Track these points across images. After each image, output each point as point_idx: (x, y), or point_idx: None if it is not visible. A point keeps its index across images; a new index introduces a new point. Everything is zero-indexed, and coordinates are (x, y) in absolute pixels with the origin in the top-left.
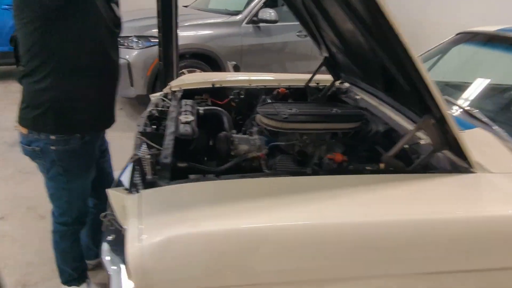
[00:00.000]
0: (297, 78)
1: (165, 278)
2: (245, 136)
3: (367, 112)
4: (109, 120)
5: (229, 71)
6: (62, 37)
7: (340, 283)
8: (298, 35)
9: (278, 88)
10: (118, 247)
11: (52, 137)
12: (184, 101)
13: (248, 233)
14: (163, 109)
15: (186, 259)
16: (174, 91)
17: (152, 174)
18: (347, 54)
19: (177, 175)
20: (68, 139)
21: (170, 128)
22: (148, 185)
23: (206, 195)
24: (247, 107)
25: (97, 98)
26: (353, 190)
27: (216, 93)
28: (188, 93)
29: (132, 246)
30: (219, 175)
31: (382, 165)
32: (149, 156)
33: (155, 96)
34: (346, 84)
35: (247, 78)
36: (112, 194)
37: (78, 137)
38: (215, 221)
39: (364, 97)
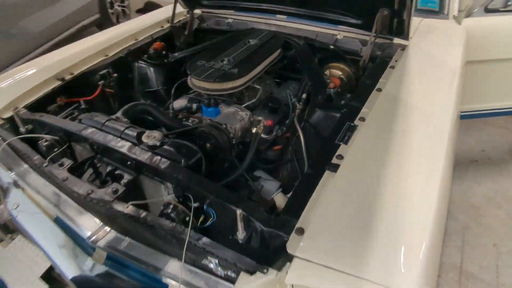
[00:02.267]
0: (147, 24)
1: None
2: (226, 112)
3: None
4: None
5: None
6: None
7: None
8: None
9: (145, 45)
10: None
11: None
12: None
13: None
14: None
15: None
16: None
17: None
18: None
19: None
20: None
21: (153, 162)
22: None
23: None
24: (127, 85)
25: None
26: None
27: (73, 88)
28: (36, 108)
29: None
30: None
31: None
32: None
33: None
34: (197, 12)
35: (94, 49)
36: None
37: None
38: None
39: (238, 18)
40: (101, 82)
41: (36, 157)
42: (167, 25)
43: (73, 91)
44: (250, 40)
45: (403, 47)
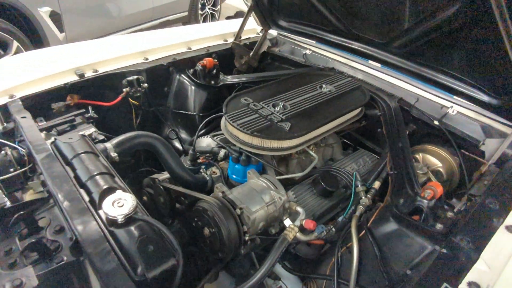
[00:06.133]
0: (211, 33)
1: None
2: (251, 185)
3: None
4: None
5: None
6: None
7: None
8: None
9: (196, 57)
10: None
11: None
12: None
13: None
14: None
15: None
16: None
17: None
18: None
19: None
20: None
21: None
22: None
23: None
24: (158, 99)
25: None
26: None
27: (91, 87)
28: (38, 102)
29: None
30: None
31: None
32: None
33: None
34: (273, 32)
35: (134, 47)
36: None
37: None
38: None
39: (318, 52)
40: (125, 90)
41: None
42: (231, 40)
43: (90, 91)
44: (323, 84)
45: None
